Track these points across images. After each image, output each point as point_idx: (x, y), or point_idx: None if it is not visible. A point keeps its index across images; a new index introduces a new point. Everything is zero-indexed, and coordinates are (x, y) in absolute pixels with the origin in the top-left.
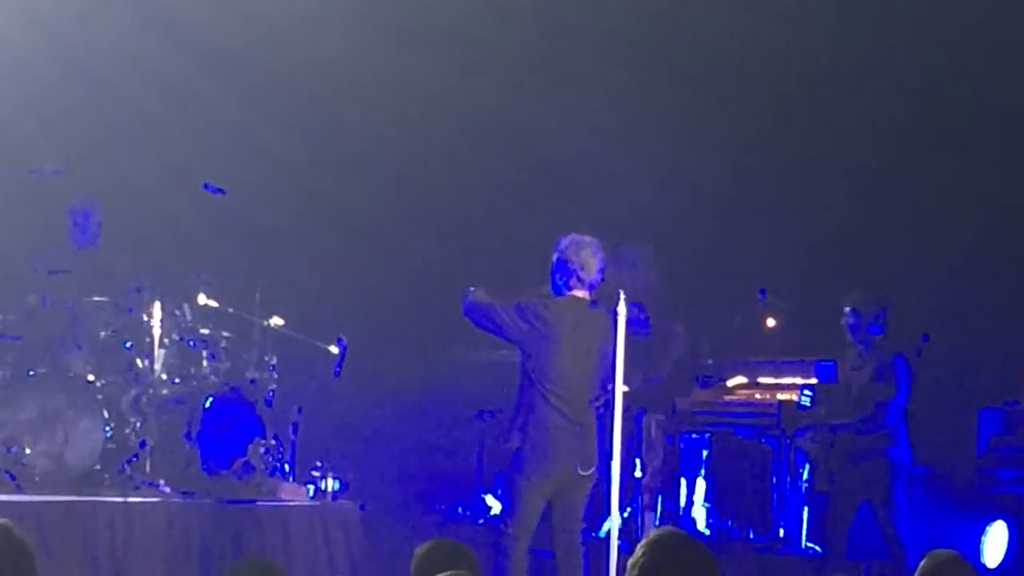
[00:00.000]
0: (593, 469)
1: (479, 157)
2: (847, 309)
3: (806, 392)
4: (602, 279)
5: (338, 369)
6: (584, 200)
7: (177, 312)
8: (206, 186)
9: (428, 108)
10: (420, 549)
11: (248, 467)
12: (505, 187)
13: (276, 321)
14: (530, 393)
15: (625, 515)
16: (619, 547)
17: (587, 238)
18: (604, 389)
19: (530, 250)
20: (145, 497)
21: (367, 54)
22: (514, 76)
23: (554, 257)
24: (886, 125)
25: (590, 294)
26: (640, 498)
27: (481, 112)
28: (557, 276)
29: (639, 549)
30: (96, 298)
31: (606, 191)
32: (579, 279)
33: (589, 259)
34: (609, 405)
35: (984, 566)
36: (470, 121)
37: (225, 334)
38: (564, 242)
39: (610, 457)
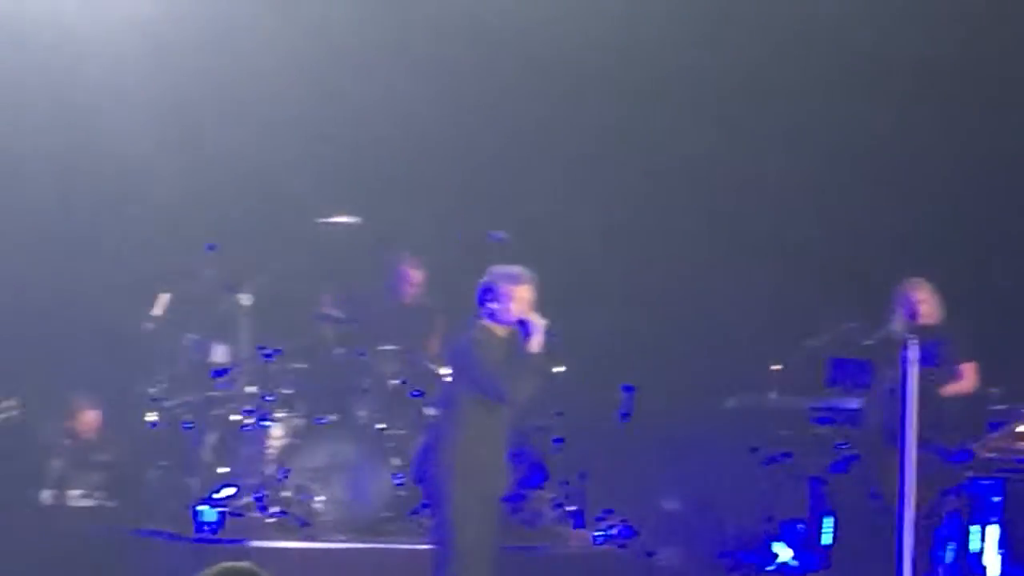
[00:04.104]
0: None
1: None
2: None
3: None
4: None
5: (625, 415)
6: (849, 234)
7: None
8: (491, 235)
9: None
10: None
11: (535, 514)
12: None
13: (558, 368)
14: None
15: None
16: None
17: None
18: None
19: (796, 290)
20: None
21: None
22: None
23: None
24: None
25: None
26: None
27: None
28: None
29: None
30: (386, 347)
31: (881, 223)
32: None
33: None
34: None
35: None
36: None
37: None
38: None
39: (903, 500)
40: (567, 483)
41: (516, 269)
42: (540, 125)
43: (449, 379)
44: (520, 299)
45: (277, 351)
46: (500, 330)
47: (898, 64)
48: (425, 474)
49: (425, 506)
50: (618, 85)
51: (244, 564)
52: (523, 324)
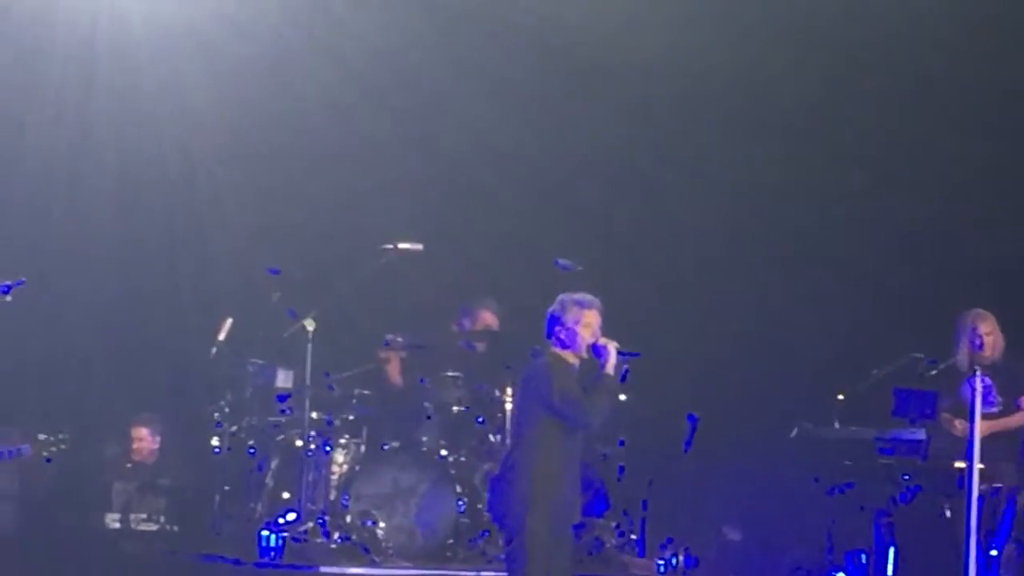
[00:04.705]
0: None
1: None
2: None
3: None
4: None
5: (688, 444)
6: (917, 262)
7: None
8: (557, 263)
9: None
10: None
11: (598, 542)
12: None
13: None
14: None
15: None
16: None
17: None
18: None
19: (861, 319)
20: (496, 571)
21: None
22: None
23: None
24: None
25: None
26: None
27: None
28: None
29: None
30: (450, 373)
31: (951, 252)
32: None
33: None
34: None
35: None
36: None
37: None
38: None
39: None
40: (628, 512)
41: (584, 296)
42: (607, 153)
43: (519, 408)
44: (588, 325)
45: (339, 376)
46: (570, 356)
47: (972, 93)
48: (498, 505)
49: (487, 533)
50: (688, 115)
51: None
52: (595, 349)
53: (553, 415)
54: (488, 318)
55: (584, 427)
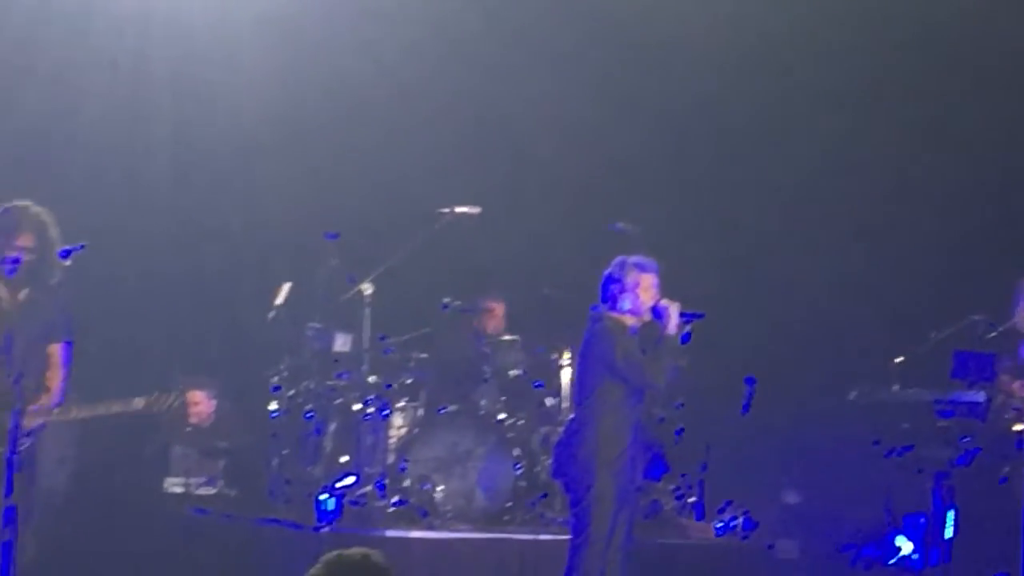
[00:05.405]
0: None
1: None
2: None
3: None
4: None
5: (747, 407)
6: (976, 224)
7: None
8: (612, 226)
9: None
10: None
11: (656, 505)
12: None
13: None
14: None
15: None
16: None
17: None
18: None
19: (921, 282)
20: (555, 535)
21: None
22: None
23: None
24: None
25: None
26: None
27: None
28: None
29: None
30: (507, 337)
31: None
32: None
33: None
34: None
35: None
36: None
37: None
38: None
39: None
40: (687, 474)
41: (642, 258)
42: (664, 117)
43: (580, 372)
44: (648, 288)
45: (397, 340)
46: (628, 319)
47: None
48: (565, 467)
49: (545, 496)
50: (747, 82)
51: (357, 550)
52: (655, 310)
53: (616, 378)
54: (497, 309)
55: (649, 388)
